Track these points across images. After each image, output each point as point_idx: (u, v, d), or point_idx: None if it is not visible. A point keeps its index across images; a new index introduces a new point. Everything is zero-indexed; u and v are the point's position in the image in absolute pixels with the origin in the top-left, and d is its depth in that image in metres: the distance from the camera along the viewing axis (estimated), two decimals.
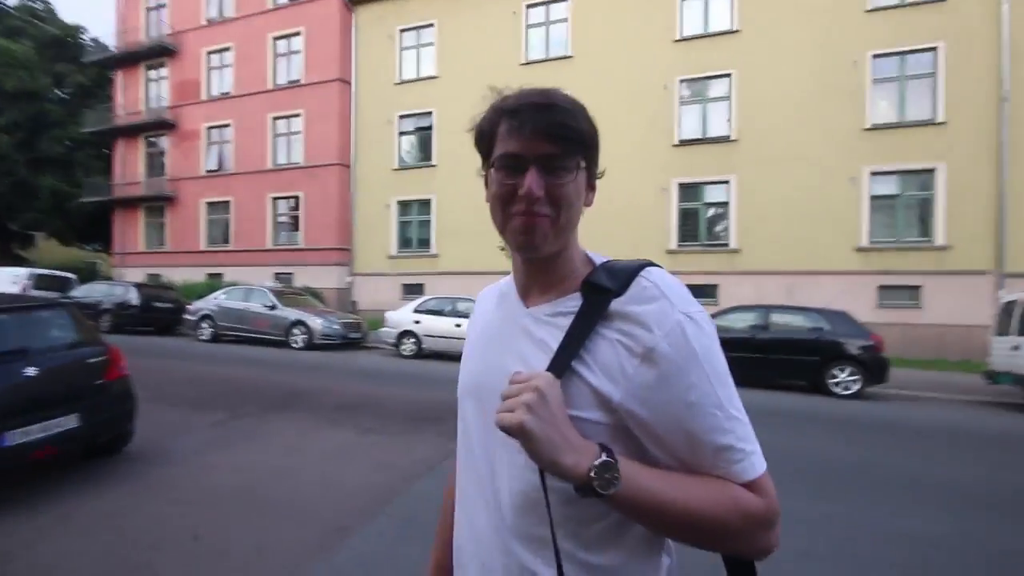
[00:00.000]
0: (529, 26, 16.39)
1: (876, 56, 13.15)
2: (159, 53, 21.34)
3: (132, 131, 21.98)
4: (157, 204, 21.58)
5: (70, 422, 3.63)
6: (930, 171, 12.71)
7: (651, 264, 0.69)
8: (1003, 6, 12.09)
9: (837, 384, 8.19)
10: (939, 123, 12.64)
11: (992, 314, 9.49)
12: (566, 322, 0.67)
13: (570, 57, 15.81)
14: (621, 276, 0.67)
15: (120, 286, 14.79)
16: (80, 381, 3.88)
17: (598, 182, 0.73)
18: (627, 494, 0.58)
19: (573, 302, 0.68)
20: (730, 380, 0.65)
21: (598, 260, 0.73)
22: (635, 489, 0.59)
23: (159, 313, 14.40)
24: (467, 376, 0.79)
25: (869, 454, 4.99)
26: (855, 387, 8.18)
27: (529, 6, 16.37)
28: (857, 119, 13.19)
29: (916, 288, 12.73)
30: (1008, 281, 11.75)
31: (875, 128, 13.13)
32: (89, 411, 3.79)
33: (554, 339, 0.67)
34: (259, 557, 2.75)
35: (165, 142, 21.67)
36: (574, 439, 0.60)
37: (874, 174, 13.09)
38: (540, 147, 0.66)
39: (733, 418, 0.63)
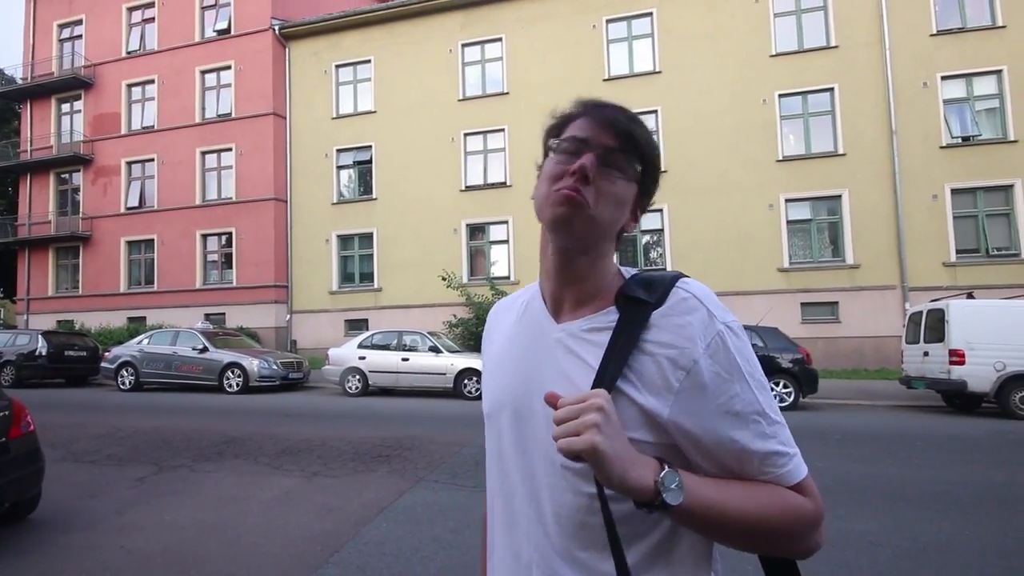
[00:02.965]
0: (465, 64, 16.83)
1: (782, 95, 14.47)
2: (73, 86, 20.11)
3: (41, 167, 20.40)
4: (70, 244, 19.94)
5: None
6: (837, 197, 13.95)
7: (683, 275, 0.69)
8: (886, 52, 13.70)
9: (774, 397, 8.61)
10: (840, 154, 13.97)
11: (902, 325, 10.38)
12: (603, 338, 0.65)
13: (506, 94, 16.33)
14: (658, 287, 0.66)
15: (25, 334, 13.43)
16: None
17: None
18: (690, 504, 0.58)
19: (609, 316, 0.67)
20: (767, 386, 0.66)
21: (630, 273, 0.72)
22: (697, 499, 0.58)
23: (71, 363, 13.14)
24: (497, 392, 0.75)
25: (808, 461, 5.24)
26: (789, 399, 8.65)
27: (464, 45, 16.85)
28: (771, 151, 14.36)
29: (834, 304, 13.76)
30: (912, 294, 12.96)
31: (787, 159, 14.33)
32: None
33: (593, 356, 0.65)
34: None
35: (79, 178, 20.23)
36: (636, 454, 0.59)
37: (789, 200, 14.21)
38: (605, 138, 0.66)
39: (775, 423, 0.64)
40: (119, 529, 3.67)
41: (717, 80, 14.70)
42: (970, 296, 8.75)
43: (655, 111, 15.08)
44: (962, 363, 7.94)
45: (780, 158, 14.32)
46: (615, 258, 0.74)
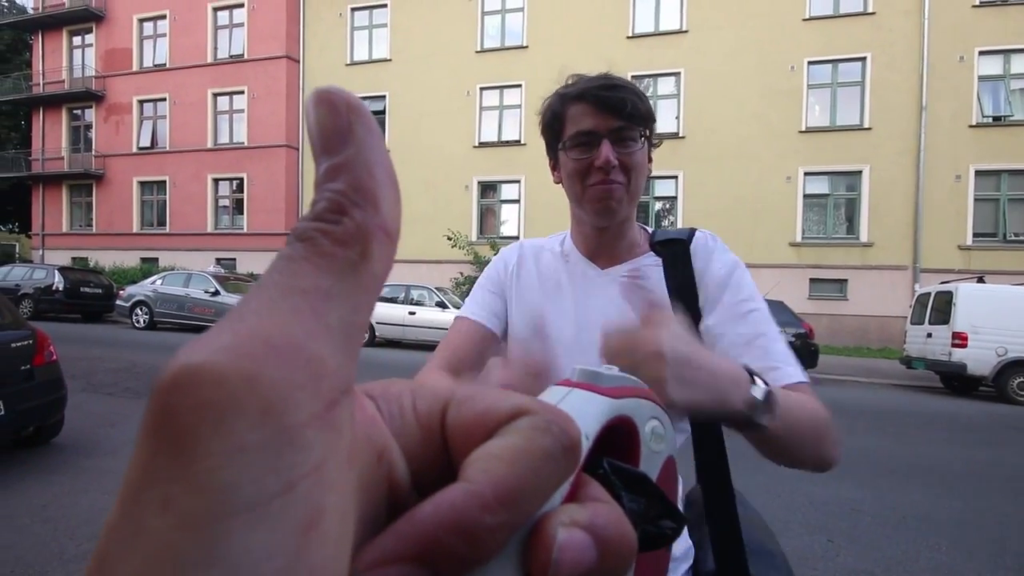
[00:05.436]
0: (485, 13, 16.27)
1: (812, 63, 13.94)
2: (84, 18, 19.69)
3: (53, 101, 20.24)
4: (83, 182, 20.02)
5: None
6: (857, 173, 13.65)
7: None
8: (924, 23, 13.08)
9: None
10: (866, 128, 13.57)
11: (909, 305, 10.35)
12: (649, 275, 0.80)
13: (525, 47, 15.84)
14: (684, 232, 0.82)
15: (42, 269, 13.69)
16: (3, 366, 3.62)
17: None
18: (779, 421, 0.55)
19: (648, 259, 0.82)
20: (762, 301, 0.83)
21: (649, 230, 0.87)
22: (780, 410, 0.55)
23: (87, 299, 13.44)
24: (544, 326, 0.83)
25: None
26: None
27: None
28: (794, 121, 13.96)
29: (843, 281, 13.69)
30: (923, 276, 12.85)
31: (810, 130, 13.95)
32: (14, 399, 3.55)
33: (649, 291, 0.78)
34: None
35: (91, 114, 20.09)
36: (726, 369, 0.52)
37: (808, 174, 13.92)
38: (610, 122, 0.76)
39: (775, 334, 0.76)
40: None
41: (745, 42, 14.15)
42: (980, 280, 8.69)
43: (678, 73, 14.62)
44: (964, 346, 7.96)
45: (803, 129, 13.93)
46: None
